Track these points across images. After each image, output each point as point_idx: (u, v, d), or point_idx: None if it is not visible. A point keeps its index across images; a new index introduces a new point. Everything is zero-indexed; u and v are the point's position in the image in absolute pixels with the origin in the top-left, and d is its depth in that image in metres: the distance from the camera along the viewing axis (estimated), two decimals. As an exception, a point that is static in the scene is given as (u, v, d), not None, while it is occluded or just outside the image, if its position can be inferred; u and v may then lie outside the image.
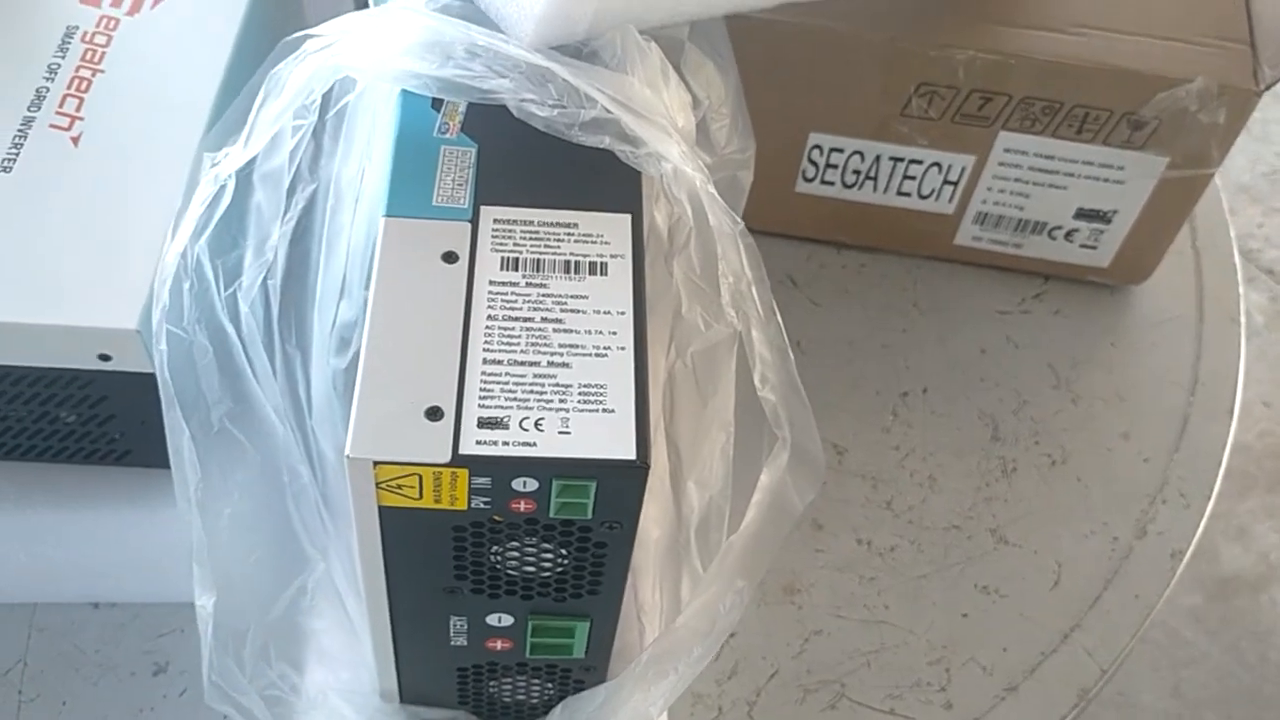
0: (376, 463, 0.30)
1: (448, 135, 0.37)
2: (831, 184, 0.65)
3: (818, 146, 0.63)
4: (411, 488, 0.31)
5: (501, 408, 0.31)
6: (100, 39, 0.49)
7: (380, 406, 0.31)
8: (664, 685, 0.38)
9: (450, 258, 0.34)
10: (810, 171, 0.65)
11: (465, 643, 0.38)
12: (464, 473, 0.30)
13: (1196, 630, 1.31)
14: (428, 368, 0.32)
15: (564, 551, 0.34)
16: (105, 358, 0.42)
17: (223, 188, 0.36)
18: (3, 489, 0.49)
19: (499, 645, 0.38)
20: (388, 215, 0.35)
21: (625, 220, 0.35)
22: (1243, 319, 0.68)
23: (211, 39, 0.50)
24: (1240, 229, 1.66)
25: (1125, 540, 0.59)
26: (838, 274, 0.68)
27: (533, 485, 0.31)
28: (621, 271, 0.34)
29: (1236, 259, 0.70)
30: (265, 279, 0.39)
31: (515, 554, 0.34)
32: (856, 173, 0.64)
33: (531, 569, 0.35)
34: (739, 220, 0.37)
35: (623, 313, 0.33)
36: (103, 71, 0.48)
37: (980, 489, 0.60)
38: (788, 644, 0.55)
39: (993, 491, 0.60)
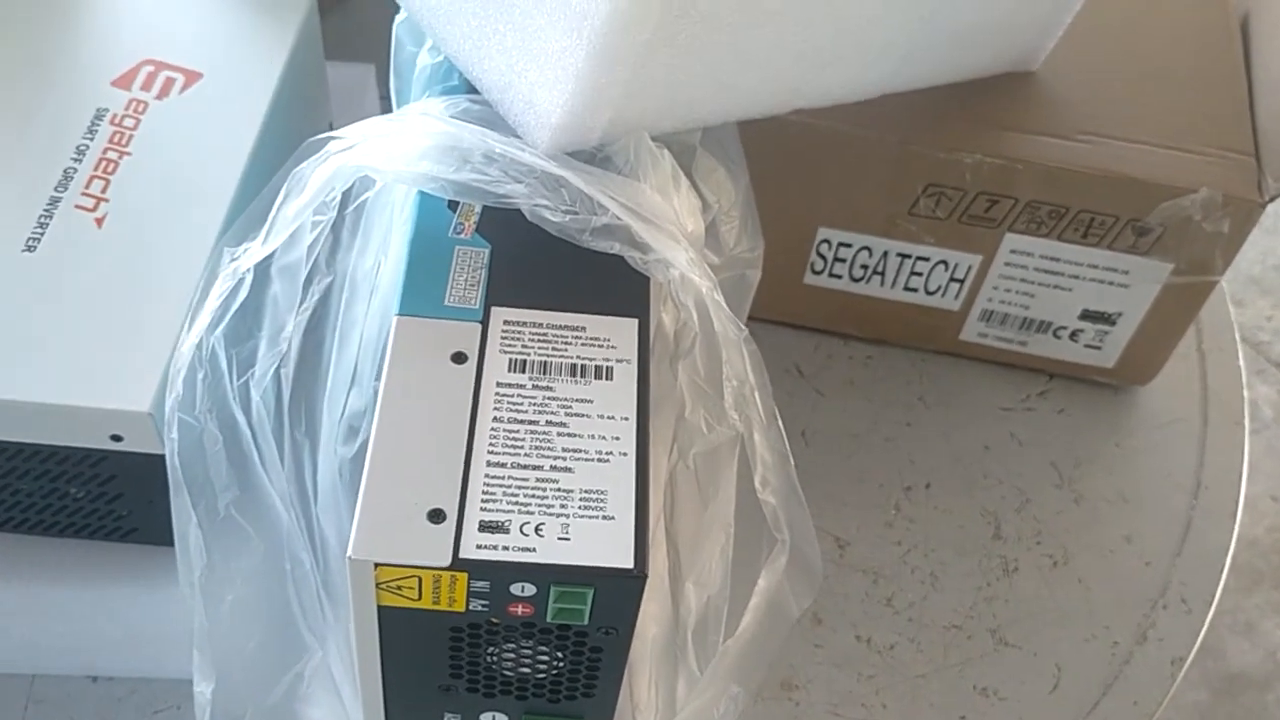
0: (378, 564, 0.30)
1: (462, 236, 0.38)
2: (839, 277, 0.66)
3: (826, 241, 0.64)
4: (411, 589, 0.31)
5: (503, 511, 0.32)
6: (129, 122, 0.51)
7: (384, 508, 0.31)
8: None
9: (460, 358, 0.35)
10: (819, 264, 0.66)
11: (459, 739, 0.38)
12: (463, 576, 0.31)
13: (1203, 727, 1.30)
14: (432, 469, 0.32)
15: (560, 655, 0.34)
16: (117, 438, 0.43)
17: (240, 281, 0.37)
18: (6, 561, 0.49)
19: (493, 742, 0.38)
20: (400, 314, 0.35)
21: (633, 325, 0.36)
22: (1247, 421, 0.68)
23: (237, 128, 0.51)
24: (1250, 321, 1.66)
25: (1126, 645, 0.59)
26: (844, 365, 0.69)
27: (531, 590, 0.31)
28: (627, 376, 0.35)
29: (1241, 361, 0.71)
30: (278, 368, 0.39)
31: (511, 655, 0.34)
32: (864, 267, 0.65)
33: (527, 670, 0.35)
34: (744, 327, 0.37)
35: (626, 418, 0.34)
36: (130, 154, 0.50)
37: (981, 588, 0.60)
38: (785, 741, 0.55)
39: (994, 591, 0.60)
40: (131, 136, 0.50)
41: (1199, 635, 0.59)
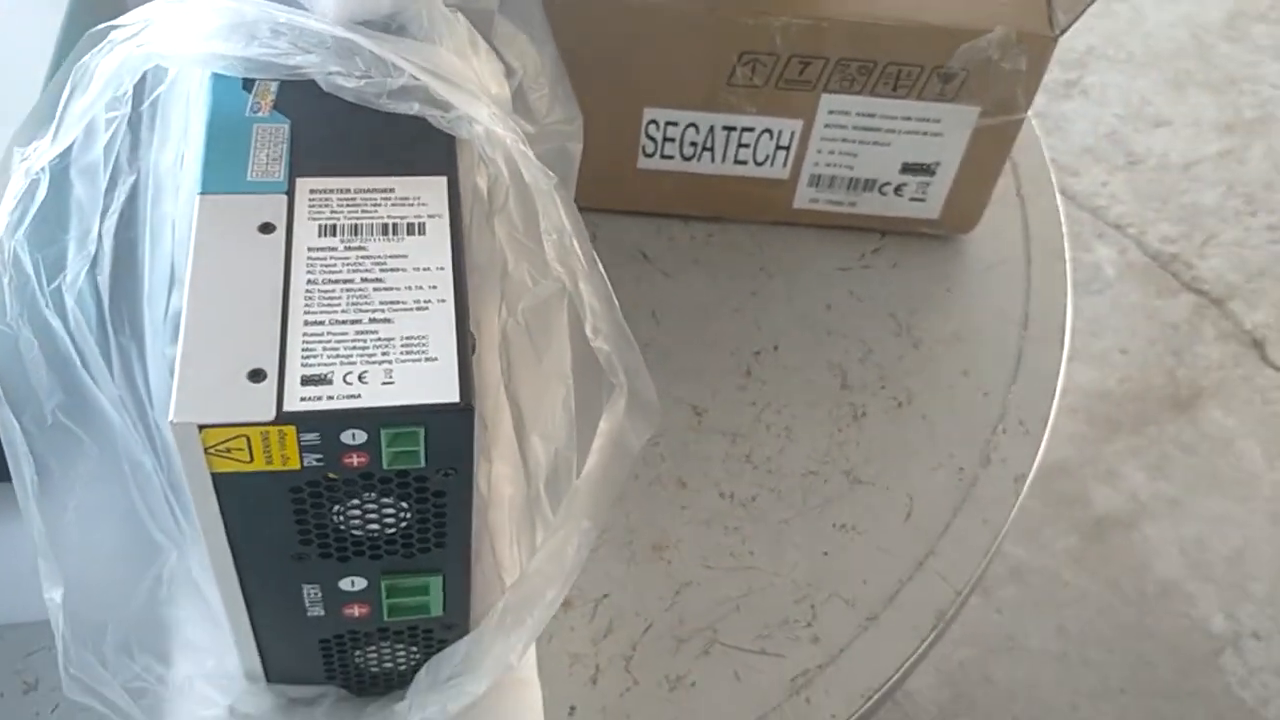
0: (202, 426, 0.31)
1: (260, 114, 0.38)
2: (671, 158, 0.67)
3: (654, 121, 0.65)
4: (241, 450, 0.32)
5: (324, 364, 0.32)
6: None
7: (202, 372, 0.31)
8: (522, 631, 0.40)
9: (267, 228, 0.35)
10: (650, 147, 0.67)
11: (322, 612, 0.39)
12: (291, 430, 0.31)
13: (1076, 571, 1.37)
14: (248, 333, 0.32)
15: (404, 505, 0.35)
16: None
17: (35, 181, 0.36)
18: None
19: (356, 612, 0.39)
20: (202, 193, 0.35)
21: (441, 182, 0.37)
22: (1068, 253, 0.72)
23: (31, 42, 0.49)
24: (1086, 189, 1.74)
25: (971, 470, 0.62)
26: (686, 245, 0.71)
27: (363, 437, 0.32)
28: (439, 230, 0.35)
29: (1059, 200, 0.74)
30: (92, 272, 0.39)
31: (357, 512, 0.35)
32: (694, 144, 0.66)
33: (375, 526, 0.36)
34: (553, 175, 0.38)
35: (442, 268, 0.34)
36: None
37: (833, 435, 0.63)
38: (659, 598, 0.57)
39: (845, 436, 0.63)
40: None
41: (1038, 453, 0.63)
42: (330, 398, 0.31)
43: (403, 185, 0.36)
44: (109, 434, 0.40)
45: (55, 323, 0.38)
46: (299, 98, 0.38)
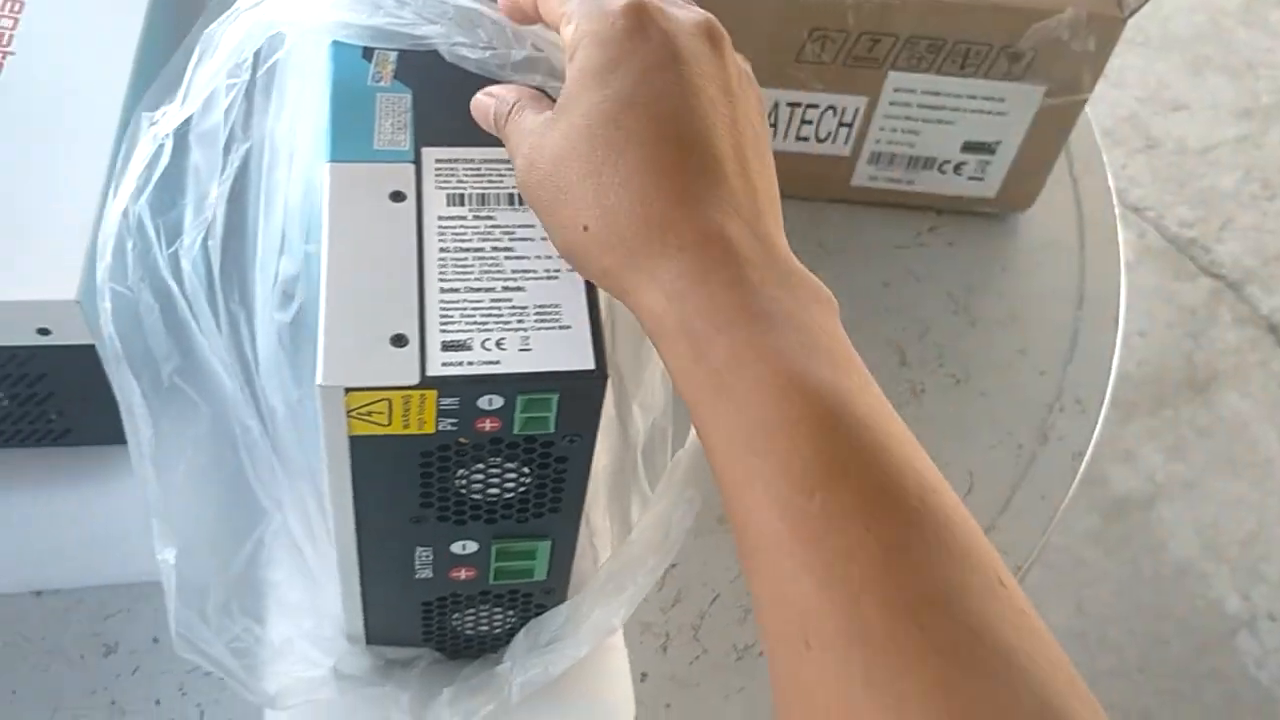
0: (348, 390, 0.31)
1: (381, 83, 0.38)
2: (732, 133, 0.68)
3: (717, 97, 0.66)
4: (381, 414, 0.32)
5: (463, 331, 0.33)
6: (6, 21, 0.49)
7: (346, 337, 0.32)
8: (623, 597, 0.40)
9: (398, 197, 0.35)
10: (711, 122, 0.67)
11: (430, 575, 0.40)
12: (432, 394, 0.32)
13: (1095, 551, 1.39)
14: (388, 299, 0.33)
15: (526, 470, 0.36)
16: (44, 331, 0.43)
17: (161, 147, 0.37)
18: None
19: (463, 574, 0.40)
20: (332, 160, 0.36)
21: (560, 153, 0.37)
22: (1120, 236, 0.72)
23: (122, 13, 0.50)
24: (1105, 171, 1.74)
25: (1029, 447, 0.63)
26: (743, 221, 0.71)
27: (498, 402, 0.33)
28: (562, 201, 0.36)
29: (1110, 182, 0.75)
30: (205, 238, 0.39)
31: (480, 476, 0.35)
32: (755, 121, 0.67)
33: (495, 491, 0.36)
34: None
35: (571, 239, 0.35)
36: (12, 53, 0.48)
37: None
38: (726, 569, 0.57)
39: (904, 413, 0.63)
40: (12, 36, 0.49)
41: (1094, 431, 0.64)
42: (470, 363, 0.32)
43: (524, 156, 0.37)
44: (220, 398, 0.40)
45: (174, 287, 0.38)
46: (418, 68, 0.38)
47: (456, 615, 0.42)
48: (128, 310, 0.38)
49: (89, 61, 0.48)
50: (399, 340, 0.32)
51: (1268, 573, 1.37)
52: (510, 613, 0.43)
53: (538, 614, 0.43)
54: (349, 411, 0.32)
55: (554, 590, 0.42)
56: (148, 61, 0.49)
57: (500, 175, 0.36)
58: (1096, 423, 0.64)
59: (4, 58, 0.48)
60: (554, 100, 0.34)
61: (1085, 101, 0.65)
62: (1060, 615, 1.32)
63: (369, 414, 0.32)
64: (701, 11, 0.35)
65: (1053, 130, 0.66)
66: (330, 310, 0.32)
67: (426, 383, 0.32)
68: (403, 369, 0.32)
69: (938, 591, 0.28)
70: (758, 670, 0.55)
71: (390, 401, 0.32)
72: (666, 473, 0.40)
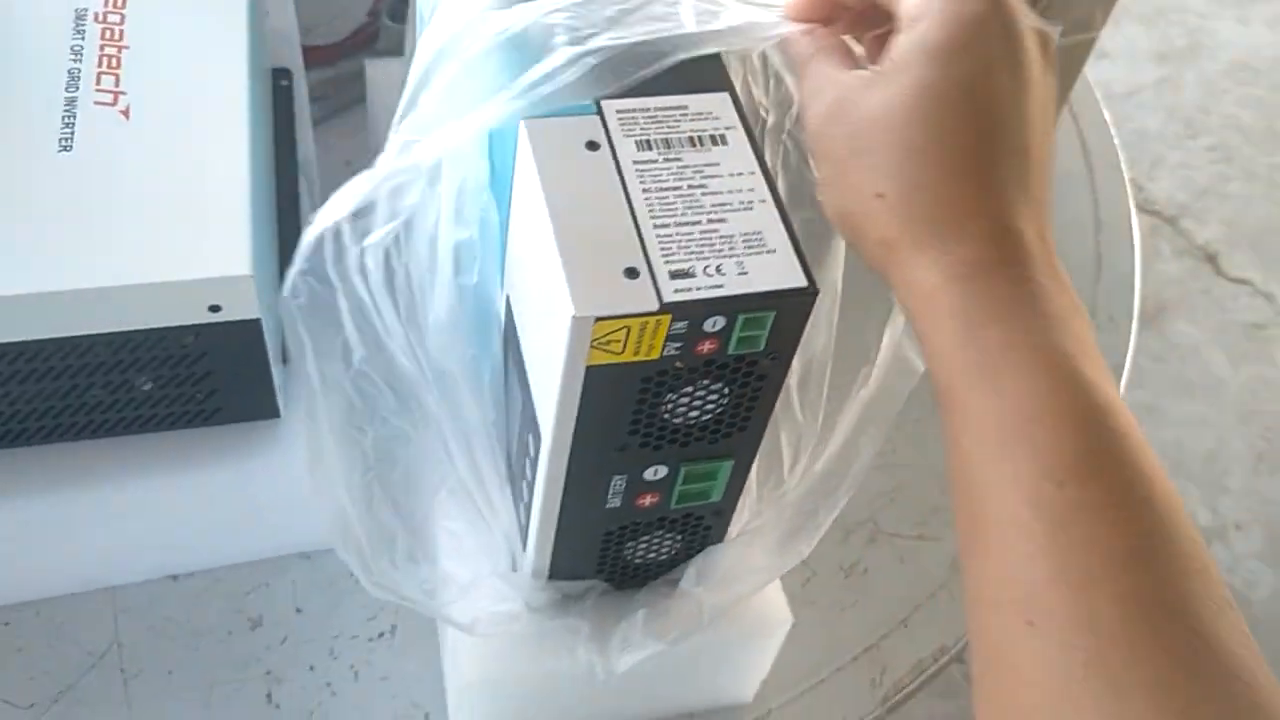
0: (598, 319, 0.34)
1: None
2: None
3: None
4: (618, 342, 0.35)
5: (685, 260, 0.35)
6: (114, 17, 0.50)
7: (585, 272, 0.35)
8: (813, 527, 0.44)
9: (593, 146, 0.38)
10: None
11: (619, 504, 0.42)
12: (667, 319, 0.35)
13: (1068, 479, 1.45)
14: (610, 237, 0.36)
15: (727, 390, 0.39)
16: (215, 308, 0.44)
17: (403, 184, 0.38)
18: (74, 469, 0.49)
19: (648, 501, 0.43)
20: (525, 118, 0.38)
21: (725, 98, 0.40)
22: (1124, 166, 0.78)
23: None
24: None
25: (1076, 362, 0.67)
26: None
27: (721, 324, 0.36)
28: (738, 140, 0.39)
29: (1108, 116, 0.80)
30: (395, 238, 0.41)
31: (686, 399, 0.38)
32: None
33: (695, 413, 0.39)
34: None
35: (753, 172, 0.38)
36: (127, 47, 0.49)
37: (948, 340, 0.68)
38: (822, 496, 0.61)
39: (959, 340, 0.68)
40: (122, 30, 0.50)
41: (1130, 342, 0.69)
42: (699, 289, 0.35)
43: (694, 102, 0.40)
44: (404, 378, 0.42)
45: (357, 281, 0.40)
46: (577, 29, 0.41)
47: (631, 544, 0.45)
48: (319, 304, 0.40)
49: (204, 35, 0.49)
50: (631, 273, 0.35)
51: (1230, 485, 1.45)
52: (679, 537, 0.46)
53: (704, 539, 0.46)
54: (593, 342, 0.35)
55: (723, 512, 0.45)
56: (260, 17, 0.50)
57: (676, 121, 0.39)
58: (1131, 334, 0.69)
59: (120, 52, 0.49)
60: (855, 54, 0.35)
61: (1095, 40, 0.69)
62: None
63: (608, 343, 0.35)
64: (1038, 18, 0.36)
65: (1065, 68, 0.71)
66: (565, 250, 0.35)
67: (665, 308, 0.34)
68: (643, 297, 0.34)
69: (1173, 599, 0.29)
70: (866, 585, 0.59)
71: (629, 329, 0.34)
72: (849, 408, 0.44)
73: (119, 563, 0.54)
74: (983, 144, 0.33)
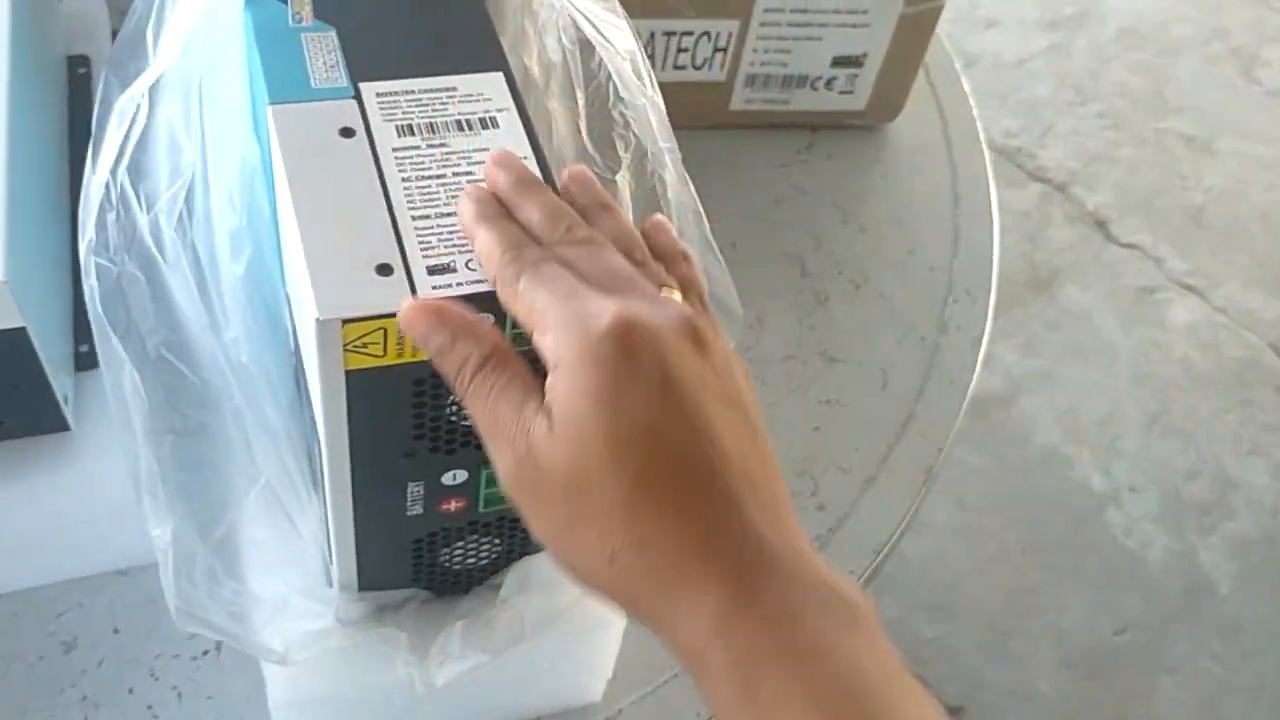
0: (345, 321, 0.32)
1: (303, 23, 0.38)
2: (611, 70, 0.69)
3: (594, 35, 0.67)
4: (376, 344, 0.33)
5: (444, 254, 0.33)
6: None
7: (332, 271, 0.32)
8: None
9: (347, 133, 0.35)
10: (590, 61, 0.68)
11: (421, 510, 0.40)
12: (425, 317, 0.32)
13: (965, 449, 1.46)
14: (362, 231, 0.33)
15: (513, 388, 0.36)
16: (-30, 320, 0.41)
17: (138, 107, 0.35)
18: None
19: (453, 505, 0.40)
20: (272, 103, 0.35)
21: (498, 77, 0.38)
22: (980, 134, 0.77)
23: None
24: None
25: (932, 338, 0.67)
26: (630, 157, 0.73)
27: (490, 320, 0.33)
28: (511, 122, 0.37)
29: (965, 85, 0.79)
30: (187, 197, 0.38)
31: (468, 401, 0.36)
32: (633, 56, 0.68)
33: (482, 414, 0.37)
34: (653, 90, 0.40)
35: (526, 157, 0.36)
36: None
37: (802, 320, 0.66)
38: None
39: (813, 320, 0.67)
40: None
41: (987, 316, 0.68)
42: (460, 284, 0.33)
43: (463, 83, 0.37)
44: (206, 366, 0.39)
45: (155, 254, 0.37)
46: (335, 5, 0.38)
47: (445, 550, 0.43)
48: (112, 283, 0.37)
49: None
50: (384, 269, 0.33)
51: (1125, 448, 1.47)
52: (497, 541, 0.43)
53: (523, 542, 0.44)
54: (346, 345, 0.32)
55: (535, 513, 0.43)
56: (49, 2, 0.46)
57: (443, 104, 0.37)
58: (988, 308, 0.68)
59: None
60: (529, 373, 0.32)
61: (942, 8, 0.68)
62: (943, 513, 1.39)
63: (364, 346, 0.32)
64: (677, 305, 0.33)
65: (913, 38, 0.70)
66: (309, 248, 0.32)
67: (420, 306, 0.32)
68: (395, 295, 0.32)
69: None
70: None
71: (386, 330, 0.32)
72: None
73: (-88, 593, 0.50)
74: (689, 481, 0.31)
